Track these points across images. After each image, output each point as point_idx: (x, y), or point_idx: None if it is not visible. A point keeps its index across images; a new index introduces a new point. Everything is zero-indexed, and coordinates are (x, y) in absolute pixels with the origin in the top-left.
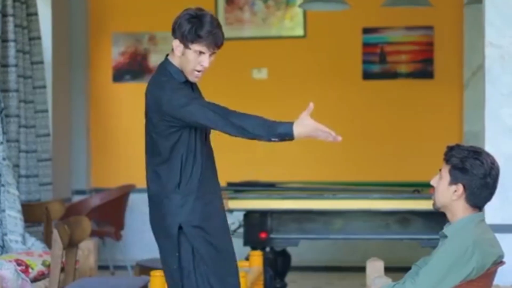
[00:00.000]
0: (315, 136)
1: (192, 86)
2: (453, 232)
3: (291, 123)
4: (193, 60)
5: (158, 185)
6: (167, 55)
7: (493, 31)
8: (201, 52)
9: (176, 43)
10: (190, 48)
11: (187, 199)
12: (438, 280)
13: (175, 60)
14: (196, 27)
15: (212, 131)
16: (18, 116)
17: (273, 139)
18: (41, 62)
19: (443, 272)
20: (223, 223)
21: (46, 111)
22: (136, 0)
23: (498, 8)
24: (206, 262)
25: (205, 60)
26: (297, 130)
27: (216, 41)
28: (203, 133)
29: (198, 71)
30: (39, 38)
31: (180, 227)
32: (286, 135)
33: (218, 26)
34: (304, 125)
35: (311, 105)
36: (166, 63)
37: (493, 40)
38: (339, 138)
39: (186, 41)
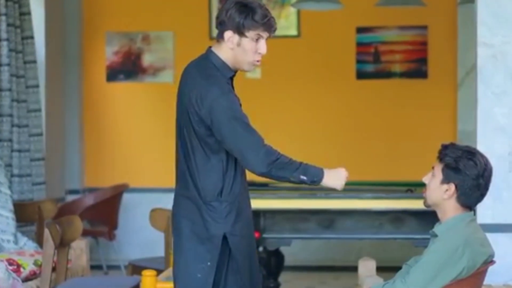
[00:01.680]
0: (337, 181)
1: (232, 83)
2: (444, 231)
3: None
4: (251, 48)
5: (196, 189)
6: (210, 47)
7: (485, 31)
8: (258, 39)
9: (228, 35)
10: (247, 36)
11: (231, 207)
12: (429, 279)
13: (222, 53)
14: (251, 13)
15: None
16: (11, 115)
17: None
18: (34, 62)
19: (434, 271)
20: (253, 231)
21: (39, 110)
22: (129, 0)
23: (490, 8)
24: (242, 272)
25: (263, 46)
26: (326, 174)
27: (272, 24)
28: None
29: (257, 60)
30: (32, 37)
31: (224, 237)
32: (315, 177)
33: (269, 11)
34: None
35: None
36: (210, 55)
37: (485, 39)
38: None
39: (242, 29)
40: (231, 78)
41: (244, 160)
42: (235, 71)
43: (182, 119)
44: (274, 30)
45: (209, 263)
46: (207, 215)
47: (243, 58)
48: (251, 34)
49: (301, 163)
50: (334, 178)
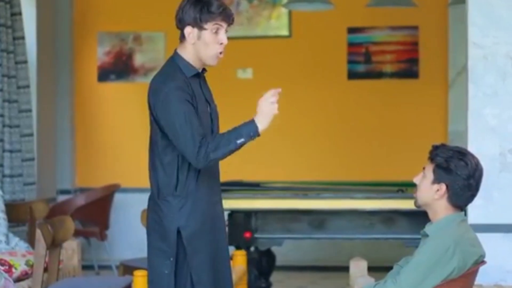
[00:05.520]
0: (270, 115)
1: (200, 81)
2: (435, 231)
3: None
4: (211, 40)
5: (156, 185)
6: (176, 49)
7: (476, 31)
8: (217, 30)
9: (188, 30)
10: (206, 29)
11: (185, 201)
12: (420, 280)
13: (185, 52)
14: (206, 6)
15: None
16: (2, 115)
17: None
18: (25, 62)
19: (425, 271)
20: (222, 228)
21: (30, 110)
22: (121, 0)
23: (481, 8)
24: (199, 269)
25: (223, 36)
26: (258, 121)
27: (229, 14)
28: (205, 131)
29: (220, 53)
30: (23, 37)
31: (178, 231)
32: (251, 132)
33: (223, 1)
34: (259, 114)
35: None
36: (175, 57)
37: (476, 40)
38: (279, 89)
39: (200, 22)
40: (198, 76)
41: (185, 157)
42: (202, 69)
43: (149, 115)
44: (233, 20)
45: (171, 259)
46: (162, 211)
47: (205, 52)
48: (209, 26)
49: (231, 131)
50: (266, 117)
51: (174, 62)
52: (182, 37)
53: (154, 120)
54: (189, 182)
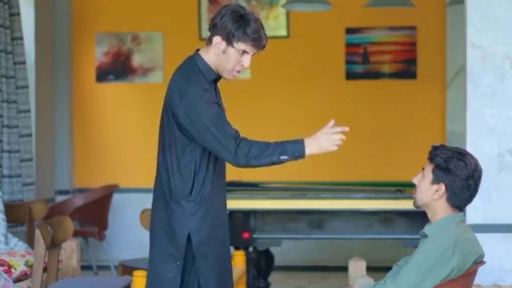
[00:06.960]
0: (326, 148)
1: (215, 86)
2: (434, 231)
3: (301, 140)
4: (235, 59)
5: (169, 187)
6: (198, 49)
7: (474, 32)
8: (244, 52)
9: (217, 40)
10: (234, 47)
11: (199, 207)
12: (419, 280)
13: (208, 57)
14: (244, 26)
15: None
16: (1, 116)
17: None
18: (24, 62)
19: (424, 271)
20: (227, 234)
21: (29, 111)
22: (119, 0)
23: (479, 8)
24: (206, 274)
25: (247, 60)
26: (307, 144)
27: (262, 42)
28: None
29: (237, 71)
30: (21, 38)
31: (188, 236)
32: (296, 152)
33: (263, 27)
34: (313, 138)
35: (331, 122)
36: (196, 58)
37: (474, 40)
38: (346, 128)
39: (231, 38)
40: (215, 81)
41: (220, 158)
42: (219, 75)
43: (163, 119)
44: (263, 47)
45: (178, 263)
46: (173, 214)
47: (224, 66)
48: (239, 45)
49: (278, 144)
50: (319, 146)
51: (195, 63)
52: (209, 42)
53: (174, 121)
54: (204, 188)
